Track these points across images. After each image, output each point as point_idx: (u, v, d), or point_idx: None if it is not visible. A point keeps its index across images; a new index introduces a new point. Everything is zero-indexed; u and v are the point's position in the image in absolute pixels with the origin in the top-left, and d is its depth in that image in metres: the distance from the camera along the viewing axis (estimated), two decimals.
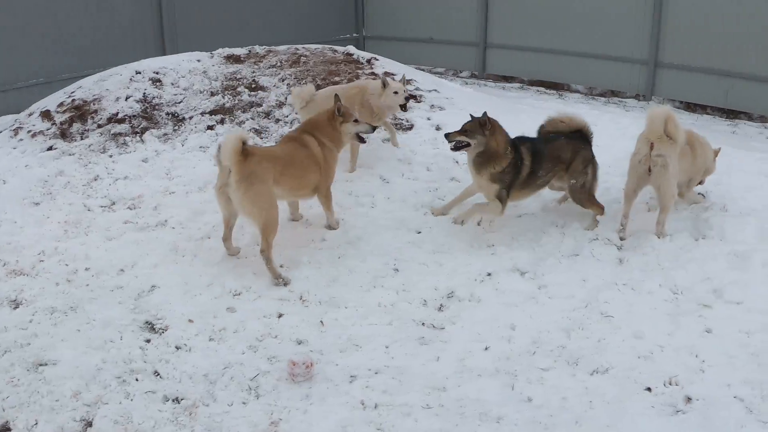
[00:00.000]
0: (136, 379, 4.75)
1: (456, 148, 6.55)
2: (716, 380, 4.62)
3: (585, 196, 6.78)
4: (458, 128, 6.55)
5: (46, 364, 4.94)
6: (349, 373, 4.73)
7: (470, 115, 6.63)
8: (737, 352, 4.92)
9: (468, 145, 6.45)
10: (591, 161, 6.81)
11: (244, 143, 5.83)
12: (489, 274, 5.93)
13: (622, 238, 6.50)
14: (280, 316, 5.47)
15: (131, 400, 4.57)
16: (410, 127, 9.08)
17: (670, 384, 4.61)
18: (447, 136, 6.59)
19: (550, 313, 5.38)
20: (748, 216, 6.84)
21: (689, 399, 4.45)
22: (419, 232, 6.66)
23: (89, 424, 4.36)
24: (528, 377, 4.65)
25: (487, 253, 6.27)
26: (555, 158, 6.68)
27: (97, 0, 13.83)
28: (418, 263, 6.12)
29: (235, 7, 15.45)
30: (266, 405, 4.47)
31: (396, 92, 7.88)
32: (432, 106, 9.65)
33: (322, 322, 5.35)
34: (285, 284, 5.82)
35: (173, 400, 4.56)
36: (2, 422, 4.44)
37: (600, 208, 6.79)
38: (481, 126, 6.40)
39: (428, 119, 9.24)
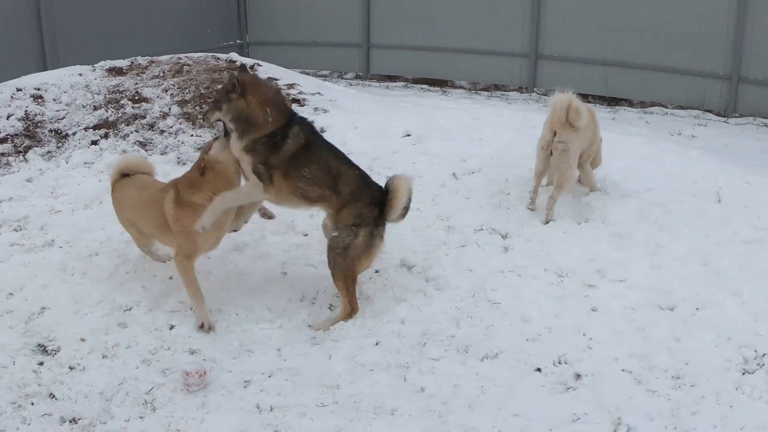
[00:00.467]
0: (32, 403, 4.63)
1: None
2: (604, 356, 4.80)
3: (342, 265, 5.42)
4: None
5: None
6: (243, 378, 4.74)
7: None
8: (623, 327, 5.12)
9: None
10: (374, 225, 5.52)
11: None
12: (377, 271, 5.99)
13: (531, 209, 6.80)
14: (171, 327, 5.41)
15: (28, 424, 4.46)
16: None
17: (560, 363, 4.76)
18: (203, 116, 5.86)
19: (439, 305, 5.48)
20: (628, 198, 7.10)
21: (579, 376, 4.61)
22: (306, 235, 6.68)
23: None
24: (420, 368, 4.74)
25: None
26: (328, 173, 5.57)
27: None
28: (304, 265, 6.16)
29: (116, 18, 15.21)
30: (163, 417, 4.43)
31: None
32: (316, 108, 9.69)
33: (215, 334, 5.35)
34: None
35: (70, 421, 4.47)
36: None
37: (350, 308, 5.41)
38: (228, 91, 5.37)
39: (312, 122, 9.28)
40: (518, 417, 4.23)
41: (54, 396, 4.73)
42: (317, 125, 8.85)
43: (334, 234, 5.48)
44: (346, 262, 5.36)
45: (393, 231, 6.44)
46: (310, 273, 6.05)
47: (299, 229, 6.80)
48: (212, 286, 5.89)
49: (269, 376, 4.72)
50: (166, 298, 5.78)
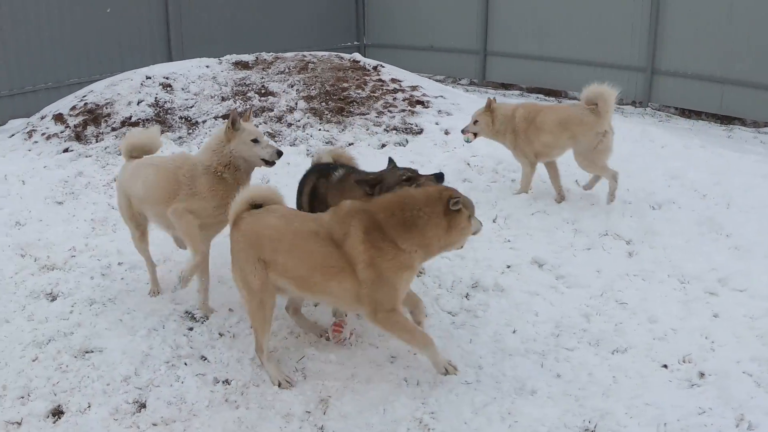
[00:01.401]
0: (185, 363, 5.18)
1: None
2: (726, 358, 5.08)
3: None
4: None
5: (92, 351, 5.36)
6: (389, 354, 5.20)
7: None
8: (744, 333, 5.40)
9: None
10: None
11: None
12: (509, 266, 6.41)
13: None
14: (316, 305, 5.90)
15: (182, 382, 4.99)
16: (420, 131, 9.57)
17: (685, 362, 5.08)
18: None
19: (570, 301, 5.85)
20: (747, 213, 7.41)
21: (702, 374, 4.92)
22: None
23: (143, 406, 4.77)
24: (555, 356, 5.12)
25: (506, 247, 6.76)
26: None
27: (100, 3, 14.24)
28: (440, 257, 6.60)
29: (240, 15, 15.97)
30: (315, 385, 4.90)
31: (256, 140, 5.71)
32: (439, 111, 10.13)
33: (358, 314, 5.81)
34: None
35: (223, 382, 4.99)
36: (55, 405, 4.82)
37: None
38: None
39: (436, 124, 9.73)
40: (650, 406, 4.58)
41: (206, 359, 5.26)
42: (442, 126, 9.35)
43: None
44: None
45: (523, 231, 6.89)
46: (446, 263, 6.48)
47: None
48: None
49: (414, 354, 5.16)
50: None
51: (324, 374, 5.02)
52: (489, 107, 7.84)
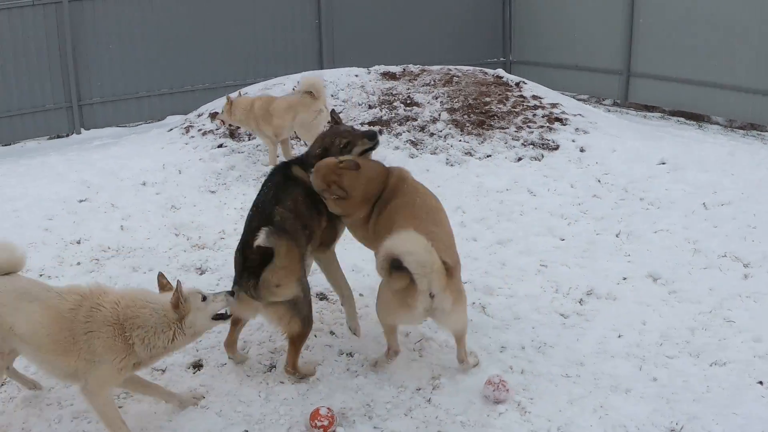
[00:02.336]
0: (315, 336, 5.89)
1: None
2: None
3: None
4: None
5: None
6: (500, 345, 5.77)
7: None
8: None
9: None
10: None
11: None
12: (625, 278, 6.85)
13: None
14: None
15: (311, 351, 5.75)
16: (556, 148, 10.03)
17: None
18: None
19: (678, 315, 6.23)
20: None
21: None
22: (563, 239, 7.64)
23: (273, 367, 5.58)
24: (655, 362, 5.54)
25: (624, 260, 7.19)
26: None
27: (259, 14, 15.40)
28: (560, 264, 7.11)
29: (389, 27, 16.82)
30: (428, 364, 5.53)
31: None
32: (577, 129, 10.56)
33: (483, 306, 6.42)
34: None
35: (347, 354, 5.70)
36: (196, 360, 5.69)
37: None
38: None
39: (573, 141, 10.16)
40: (737, 416, 4.91)
41: (334, 333, 6.01)
42: (578, 144, 9.79)
43: None
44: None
45: (644, 247, 7.31)
46: (565, 271, 6.99)
47: (556, 234, 7.79)
48: (478, 270, 6.96)
49: (522, 348, 5.70)
50: None
51: (438, 357, 5.64)
52: (229, 101, 10.37)
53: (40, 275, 7.14)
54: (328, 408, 4.85)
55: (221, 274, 7.00)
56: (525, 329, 6.00)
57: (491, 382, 5.10)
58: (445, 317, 5.08)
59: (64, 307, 4.48)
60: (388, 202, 5.49)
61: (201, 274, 7.08)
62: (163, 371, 5.56)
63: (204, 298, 4.73)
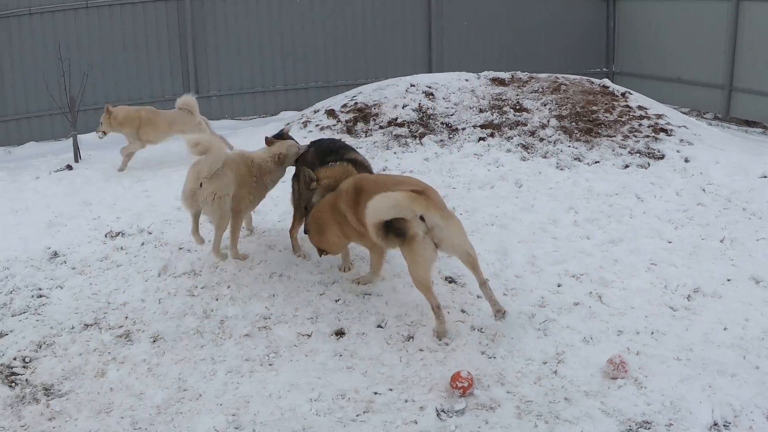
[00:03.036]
0: (448, 312, 6.67)
1: None
2: None
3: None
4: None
5: (370, 294, 7.09)
6: (617, 329, 6.48)
7: None
8: None
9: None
10: None
11: None
12: (729, 280, 7.46)
13: None
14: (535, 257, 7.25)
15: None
16: (661, 157, 10.60)
17: None
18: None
19: None
20: None
21: None
22: (670, 242, 8.28)
23: (411, 338, 6.39)
24: (758, 353, 6.16)
25: (728, 264, 7.80)
26: None
27: (371, 16, 16.35)
28: (668, 264, 7.77)
29: (497, 35, 17.53)
30: (553, 341, 6.29)
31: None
32: (681, 140, 11.10)
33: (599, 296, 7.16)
34: None
35: (479, 330, 6.48)
36: (338, 328, 6.55)
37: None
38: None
39: (677, 151, 10.71)
40: None
41: (465, 311, 6.81)
42: (682, 155, 10.38)
43: None
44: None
45: (746, 253, 7.92)
46: (672, 270, 7.66)
47: (664, 237, 8.46)
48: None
49: (636, 333, 6.42)
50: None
51: (561, 336, 6.39)
52: (108, 112, 11.46)
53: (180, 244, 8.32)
54: (468, 372, 5.61)
55: (351, 256, 7.80)
56: (638, 317, 6.69)
57: (612, 361, 5.83)
58: (445, 233, 6.05)
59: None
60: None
61: None
62: (309, 335, 6.40)
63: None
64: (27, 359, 6.28)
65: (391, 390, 5.65)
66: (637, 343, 6.26)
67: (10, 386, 5.91)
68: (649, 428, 5.22)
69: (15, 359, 6.27)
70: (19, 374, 6.07)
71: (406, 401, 5.52)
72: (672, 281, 7.39)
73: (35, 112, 14.84)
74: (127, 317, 6.87)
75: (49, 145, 14.66)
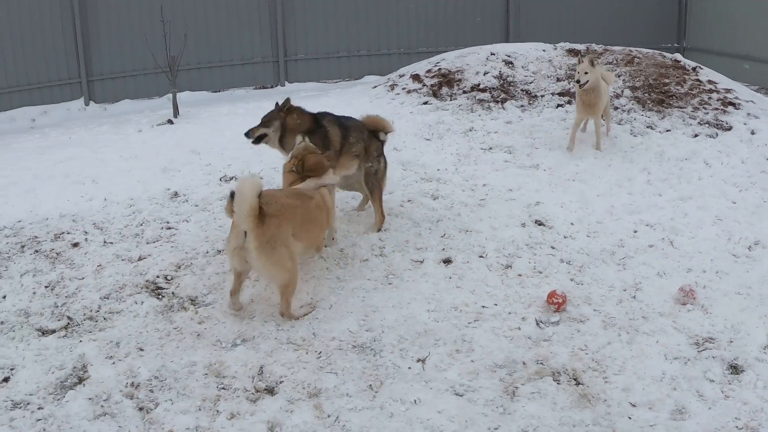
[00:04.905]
0: (540, 247, 8.05)
1: (256, 141, 8.28)
2: None
3: (376, 183, 8.41)
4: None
5: (470, 231, 8.43)
6: (686, 267, 7.78)
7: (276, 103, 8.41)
8: None
9: (265, 135, 8.20)
10: (382, 154, 8.55)
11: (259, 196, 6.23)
12: None
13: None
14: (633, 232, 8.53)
15: (537, 256, 7.91)
16: (729, 128, 11.66)
17: None
18: (247, 134, 8.30)
19: None
20: None
21: None
22: (734, 202, 9.43)
23: (509, 266, 7.72)
24: None
25: None
26: (358, 133, 8.33)
27: None
28: (732, 220, 8.97)
29: (572, 7, 18.63)
30: (631, 273, 7.58)
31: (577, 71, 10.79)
32: (748, 114, 12.14)
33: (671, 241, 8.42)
34: None
35: (567, 263, 7.80)
36: (446, 257, 7.85)
37: (381, 217, 8.44)
38: (278, 111, 8.23)
39: (744, 124, 11.76)
40: None
41: (554, 248, 8.12)
42: (749, 127, 11.52)
43: (368, 165, 8.38)
44: (378, 177, 8.46)
45: None
46: (736, 226, 8.89)
47: (729, 197, 9.66)
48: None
49: (703, 271, 7.75)
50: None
51: (638, 269, 7.63)
52: None
53: None
54: (563, 291, 6.95)
55: (452, 199, 9.22)
56: (705, 260, 7.95)
57: (683, 289, 7.14)
58: (251, 258, 6.33)
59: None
60: None
61: (434, 199, 9.26)
62: (421, 262, 7.78)
63: None
64: (168, 277, 7.60)
65: (496, 305, 6.98)
66: (703, 279, 7.53)
67: (158, 298, 7.25)
68: (713, 343, 6.45)
69: (158, 277, 7.61)
70: (164, 288, 7.39)
71: (510, 313, 6.85)
72: (735, 234, 8.57)
73: (131, 72, 16.34)
74: None
75: (144, 102, 16.25)
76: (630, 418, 5.46)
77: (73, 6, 15.57)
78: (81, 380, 5.99)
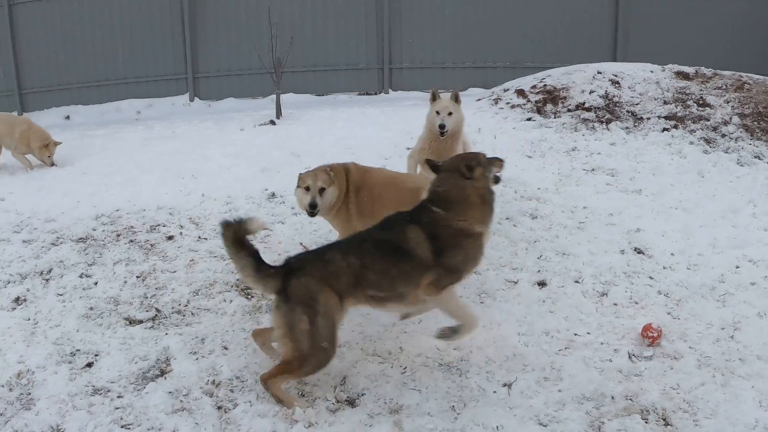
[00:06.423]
0: (638, 276, 7.84)
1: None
2: None
3: None
4: None
5: (568, 254, 8.23)
6: None
7: None
8: None
9: None
10: None
11: None
12: None
13: None
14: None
15: (634, 285, 7.67)
16: None
17: None
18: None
19: None
20: None
21: None
22: None
23: (605, 294, 7.50)
24: None
25: None
26: None
27: (562, 6, 17.41)
28: None
29: (684, 28, 18.18)
30: (731, 311, 7.25)
31: (437, 112, 8.62)
32: None
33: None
34: None
35: (665, 295, 7.53)
36: (541, 279, 7.69)
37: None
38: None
39: None
40: None
41: (652, 278, 7.84)
42: None
43: None
44: None
45: None
46: None
47: None
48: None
49: None
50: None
51: (738, 307, 7.29)
52: None
53: None
54: (659, 325, 6.70)
55: (552, 221, 9.00)
56: None
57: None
58: None
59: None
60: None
61: (533, 219, 9.06)
62: (515, 282, 7.61)
63: None
64: None
65: (589, 333, 6.78)
66: None
67: (247, 297, 7.30)
68: None
69: None
70: (253, 289, 7.37)
71: (602, 343, 6.64)
72: None
73: (236, 71, 16.61)
74: None
75: (247, 101, 16.49)
76: None
77: (182, 4, 15.84)
78: (163, 373, 6.10)
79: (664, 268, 8.03)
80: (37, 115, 15.18)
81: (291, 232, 8.66)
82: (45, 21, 15.80)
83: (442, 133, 8.55)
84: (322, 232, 8.58)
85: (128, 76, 16.07)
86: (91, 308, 7.03)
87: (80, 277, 7.63)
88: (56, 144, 11.68)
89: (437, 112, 8.54)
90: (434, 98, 8.61)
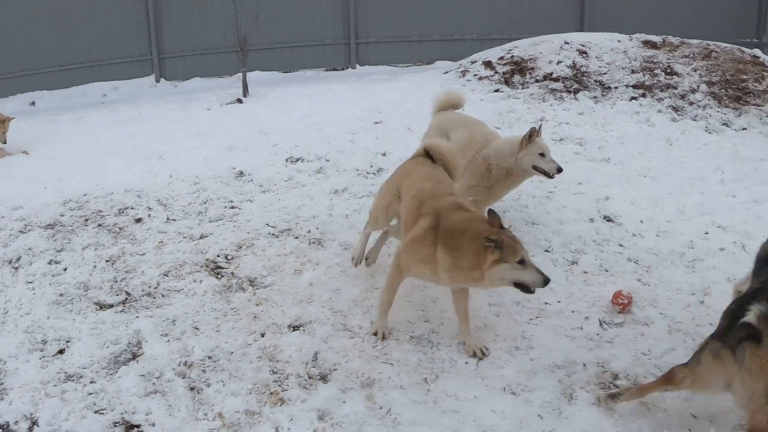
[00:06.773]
0: (607, 244, 7.82)
1: None
2: None
3: None
4: None
5: (537, 224, 8.24)
6: None
7: None
8: None
9: None
10: None
11: None
12: None
13: None
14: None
15: (604, 253, 7.64)
16: None
17: None
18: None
19: None
20: None
21: None
22: None
23: (575, 263, 7.48)
24: None
25: None
26: None
27: None
28: None
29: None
30: (700, 277, 7.26)
31: (542, 154, 7.46)
32: None
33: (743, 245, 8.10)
34: None
35: (635, 262, 7.51)
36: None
37: None
38: None
39: None
40: None
41: (622, 245, 7.85)
42: None
43: None
44: None
45: None
46: None
47: None
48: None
49: None
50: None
51: (708, 273, 7.32)
52: None
53: (357, 170, 9.62)
54: (629, 292, 6.69)
55: (519, 191, 8.83)
56: None
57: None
58: None
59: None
60: None
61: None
62: None
63: None
64: (229, 257, 7.57)
65: (559, 302, 6.75)
66: None
67: (217, 277, 7.22)
68: None
69: (218, 256, 7.59)
70: (223, 268, 7.36)
71: (572, 311, 6.62)
72: None
73: (202, 50, 16.42)
74: (317, 228, 8.10)
75: (214, 80, 16.31)
76: (690, 430, 5.21)
77: None
78: (135, 356, 6.04)
79: (634, 235, 8.03)
80: (1, 103, 14.94)
81: (259, 210, 8.56)
82: (4, 5, 15.52)
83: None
84: (290, 209, 8.55)
85: (93, 59, 15.83)
86: (61, 295, 6.93)
87: (49, 263, 7.51)
88: (9, 119, 11.43)
89: (541, 155, 7.44)
90: (531, 137, 7.41)
